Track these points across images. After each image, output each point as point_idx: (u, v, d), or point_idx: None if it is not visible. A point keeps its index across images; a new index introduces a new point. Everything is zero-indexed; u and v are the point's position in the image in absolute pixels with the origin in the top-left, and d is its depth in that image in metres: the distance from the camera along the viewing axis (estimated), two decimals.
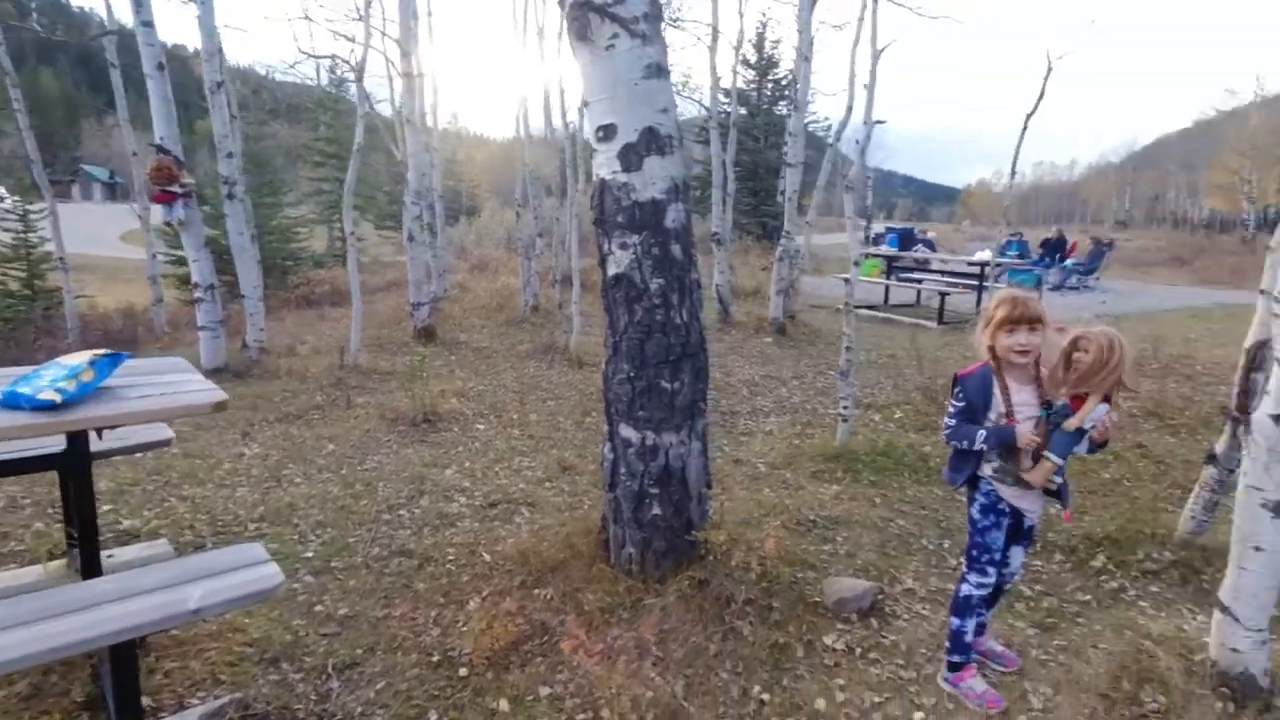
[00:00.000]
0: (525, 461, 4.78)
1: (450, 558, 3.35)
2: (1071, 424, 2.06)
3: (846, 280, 4.78)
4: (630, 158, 2.53)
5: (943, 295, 10.82)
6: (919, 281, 12.66)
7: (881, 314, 11.35)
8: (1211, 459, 3.14)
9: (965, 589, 2.32)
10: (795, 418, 5.78)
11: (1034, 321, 2.11)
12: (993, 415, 2.18)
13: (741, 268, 15.16)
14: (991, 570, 2.29)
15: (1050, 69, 7.37)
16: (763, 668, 2.51)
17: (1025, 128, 7.62)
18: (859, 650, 2.61)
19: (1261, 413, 2.00)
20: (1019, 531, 2.34)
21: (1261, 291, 2.87)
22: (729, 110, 12.70)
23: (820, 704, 2.35)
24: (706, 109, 10.76)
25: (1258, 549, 2.05)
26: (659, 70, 2.53)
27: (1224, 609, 2.14)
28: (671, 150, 2.60)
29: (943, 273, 13.99)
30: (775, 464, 4.60)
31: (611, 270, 2.69)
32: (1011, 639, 2.66)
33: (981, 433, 2.16)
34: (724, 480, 4.29)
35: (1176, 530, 3.26)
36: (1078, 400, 2.08)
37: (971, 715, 2.26)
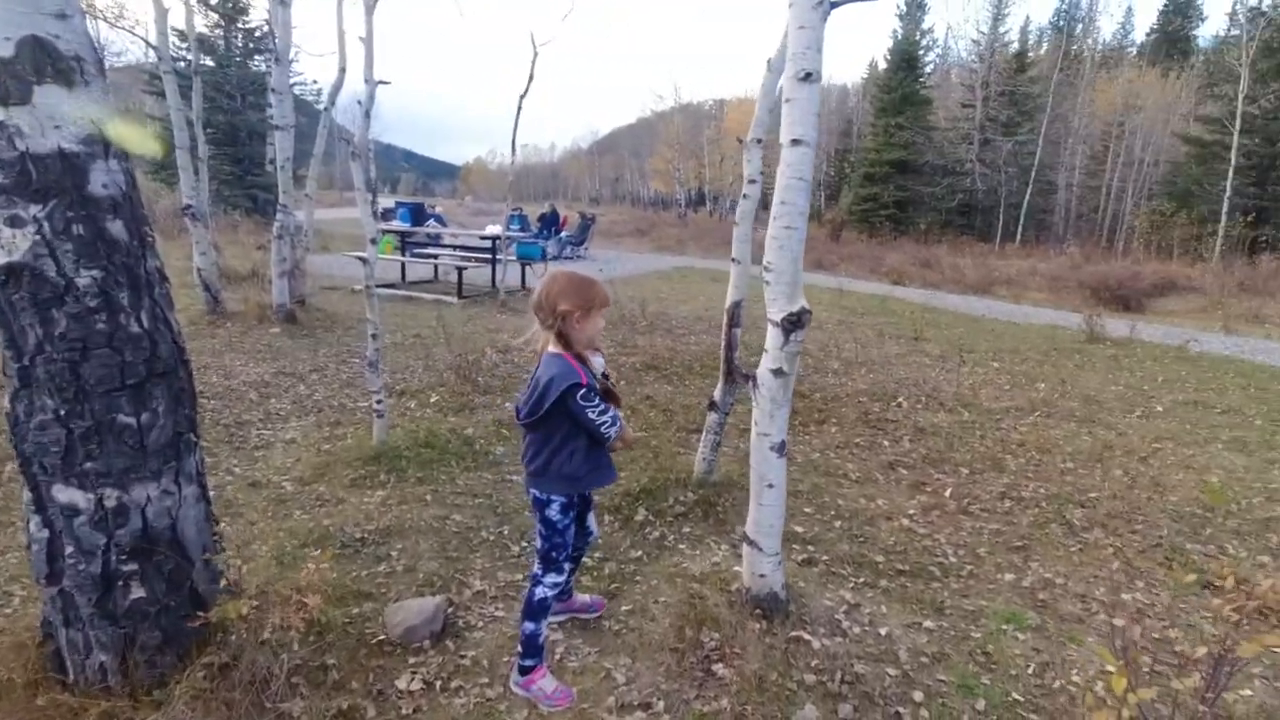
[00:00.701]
0: None
1: None
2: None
3: (364, 260, 4.26)
4: (5, 83, 1.62)
5: (460, 270, 10.94)
6: (435, 257, 12.61)
7: (401, 292, 10.96)
8: (713, 406, 3.64)
9: (541, 592, 2.18)
10: (321, 418, 5.06)
11: None
12: None
13: (231, 247, 13.02)
14: (566, 565, 2.21)
15: (536, 54, 7.86)
16: None
17: (520, 108, 8.02)
18: (439, 683, 2.29)
19: (764, 368, 2.28)
20: (584, 504, 2.37)
21: (734, 260, 3.39)
22: (189, 57, 10.49)
23: None
24: (155, 47, 8.59)
25: (770, 485, 2.37)
26: None
27: (750, 542, 2.45)
28: (86, 80, 1.77)
29: (456, 247, 14.21)
30: (305, 479, 3.90)
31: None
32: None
33: (617, 420, 2.12)
34: (242, 512, 3.46)
35: (694, 472, 3.73)
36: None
37: (563, 715, 2.15)
